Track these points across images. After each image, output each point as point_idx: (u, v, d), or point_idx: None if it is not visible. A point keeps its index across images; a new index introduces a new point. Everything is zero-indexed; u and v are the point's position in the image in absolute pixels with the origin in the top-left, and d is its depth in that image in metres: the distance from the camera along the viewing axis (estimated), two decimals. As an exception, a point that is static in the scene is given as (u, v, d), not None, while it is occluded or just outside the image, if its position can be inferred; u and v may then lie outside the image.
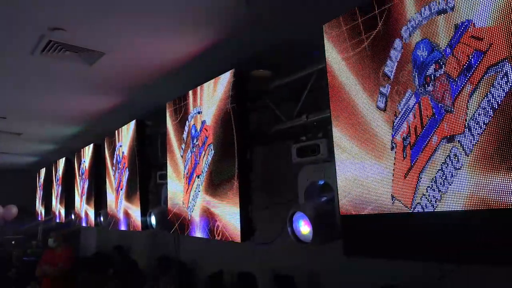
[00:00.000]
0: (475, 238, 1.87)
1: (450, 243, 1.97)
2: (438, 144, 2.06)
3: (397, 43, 2.29)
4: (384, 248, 2.28)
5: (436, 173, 2.05)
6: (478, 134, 1.86)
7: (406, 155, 2.22)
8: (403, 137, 2.25)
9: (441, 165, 2.03)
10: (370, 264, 2.84)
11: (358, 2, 2.46)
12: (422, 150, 2.14)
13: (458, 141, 1.95)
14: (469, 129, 1.90)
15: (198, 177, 3.93)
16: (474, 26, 1.88)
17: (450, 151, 1.99)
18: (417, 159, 2.17)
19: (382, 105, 2.43)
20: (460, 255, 1.94)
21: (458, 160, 1.95)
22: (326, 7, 2.75)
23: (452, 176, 1.97)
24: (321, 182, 3.04)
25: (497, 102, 1.78)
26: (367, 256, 2.46)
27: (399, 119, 2.28)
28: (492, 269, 2.29)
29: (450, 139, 1.99)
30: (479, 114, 1.86)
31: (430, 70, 2.13)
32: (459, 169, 1.94)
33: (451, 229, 1.96)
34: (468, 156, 1.90)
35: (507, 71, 1.75)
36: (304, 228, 2.82)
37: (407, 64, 2.24)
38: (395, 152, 2.28)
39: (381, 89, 2.41)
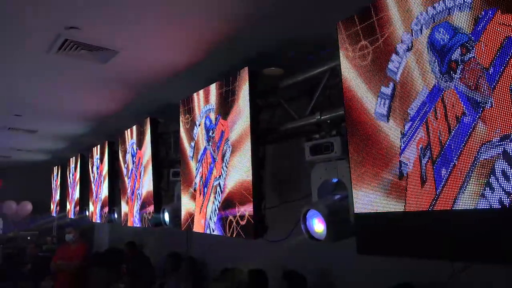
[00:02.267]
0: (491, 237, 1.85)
1: (467, 242, 1.95)
2: (478, 152, 1.82)
3: (405, 36, 2.21)
4: (398, 246, 2.27)
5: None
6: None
7: (426, 177, 2.07)
8: (420, 150, 2.09)
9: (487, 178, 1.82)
10: (384, 262, 2.84)
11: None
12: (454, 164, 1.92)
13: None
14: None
15: (218, 178, 3.92)
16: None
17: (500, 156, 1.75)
18: (447, 180, 1.95)
19: (384, 111, 2.33)
20: (475, 253, 1.92)
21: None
22: (339, 4, 2.74)
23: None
24: (335, 180, 3.03)
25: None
26: (380, 254, 2.45)
27: (411, 127, 2.13)
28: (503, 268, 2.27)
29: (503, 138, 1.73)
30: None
31: (456, 55, 1.94)
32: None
33: (467, 228, 1.95)
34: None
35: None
36: (318, 225, 2.83)
37: (421, 53, 2.09)
38: (407, 178, 2.15)
39: (383, 89, 2.34)
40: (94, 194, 7.55)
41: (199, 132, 4.24)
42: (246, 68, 3.51)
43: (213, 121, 3.99)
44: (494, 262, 1.99)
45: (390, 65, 2.32)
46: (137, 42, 3.47)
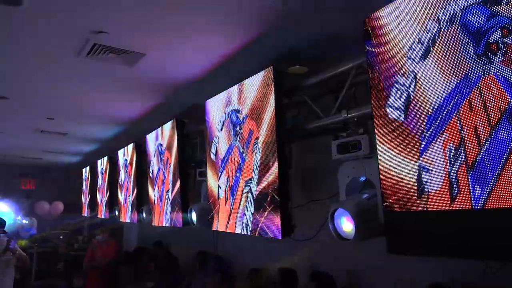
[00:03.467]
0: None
1: (499, 241, 1.88)
2: None
3: (431, 24, 2.09)
4: (428, 245, 2.22)
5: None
6: None
7: (458, 189, 1.94)
8: (449, 152, 1.96)
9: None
10: (415, 261, 2.78)
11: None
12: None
13: None
14: None
15: (249, 181, 3.91)
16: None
17: None
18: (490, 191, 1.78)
19: (400, 105, 2.25)
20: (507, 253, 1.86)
21: None
22: (364, 1, 2.70)
23: None
24: (363, 179, 3.00)
25: None
26: (410, 254, 2.40)
27: (434, 123, 2.05)
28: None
29: None
30: None
31: (495, 36, 1.77)
32: None
33: (500, 227, 1.88)
34: None
35: None
36: (346, 225, 2.80)
37: (449, 36, 1.96)
38: (427, 193, 2.07)
39: (399, 79, 2.25)
40: (123, 195, 7.71)
41: (224, 128, 4.24)
42: (271, 67, 3.51)
43: (240, 118, 3.99)
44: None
45: (411, 53, 2.25)
46: (162, 45, 3.53)
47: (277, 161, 3.39)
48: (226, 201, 4.18)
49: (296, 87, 3.69)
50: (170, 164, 5.47)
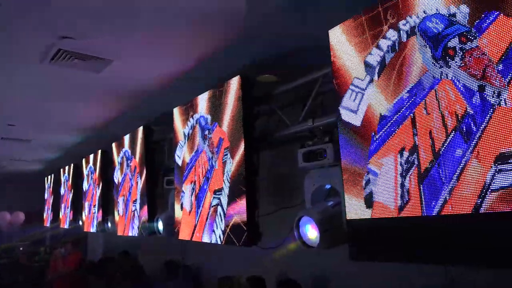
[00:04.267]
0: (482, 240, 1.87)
1: (459, 245, 1.96)
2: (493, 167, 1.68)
3: (390, 32, 2.18)
4: (390, 252, 2.28)
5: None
6: None
7: (408, 195, 2.00)
8: (400, 156, 2.03)
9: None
10: (377, 268, 2.85)
11: (365, 7, 2.48)
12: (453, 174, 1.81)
13: None
14: None
15: (218, 192, 3.88)
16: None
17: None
18: (447, 200, 1.84)
19: (354, 106, 2.30)
20: (469, 258, 1.94)
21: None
22: (331, 12, 2.78)
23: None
24: (328, 187, 3.06)
25: None
26: (373, 260, 2.46)
27: (386, 125, 2.13)
28: (499, 272, 2.29)
29: None
30: None
31: (453, 42, 1.86)
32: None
33: (458, 232, 1.96)
34: None
35: None
36: (311, 232, 2.84)
37: (408, 42, 2.05)
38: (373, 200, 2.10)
39: (356, 81, 2.30)
40: (88, 204, 7.51)
41: (192, 133, 4.22)
42: (238, 76, 3.54)
43: (209, 124, 3.98)
44: (484, 266, 2.01)
45: (368, 58, 2.33)
46: (130, 52, 3.50)
47: (244, 169, 3.40)
48: (191, 209, 4.15)
49: (266, 96, 3.73)
50: (137, 172, 5.39)
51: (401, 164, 2.05)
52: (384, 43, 2.28)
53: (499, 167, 1.73)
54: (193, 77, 3.98)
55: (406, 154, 2.04)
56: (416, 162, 2.00)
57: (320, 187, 3.07)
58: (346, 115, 2.48)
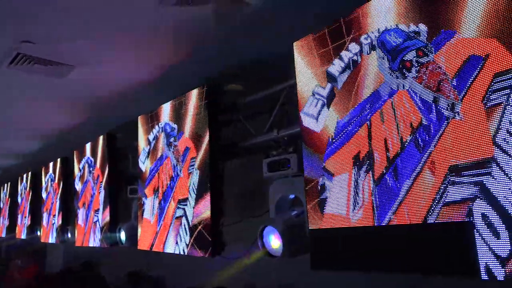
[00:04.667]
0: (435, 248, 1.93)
1: (415, 254, 2.02)
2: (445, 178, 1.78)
3: (352, 46, 2.27)
4: (350, 261, 2.32)
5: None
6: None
7: (362, 200, 2.09)
8: (355, 161, 2.09)
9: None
10: (342, 277, 2.88)
11: (327, 21, 2.55)
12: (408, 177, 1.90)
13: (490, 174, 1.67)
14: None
15: (183, 202, 3.83)
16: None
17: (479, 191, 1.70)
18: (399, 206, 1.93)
19: (315, 113, 2.37)
20: (424, 266, 2.00)
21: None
22: (297, 24, 2.83)
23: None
24: (292, 196, 3.08)
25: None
26: (334, 270, 2.49)
27: (343, 131, 2.19)
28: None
29: (485, 164, 1.68)
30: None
31: (410, 56, 1.95)
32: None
33: (414, 241, 2.02)
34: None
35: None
36: (274, 242, 2.85)
37: (368, 54, 2.13)
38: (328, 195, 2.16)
39: (317, 89, 2.37)
40: (47, 213, 7.23)
41: (157, 140, 4.17)
42: (204, 85, 3.54)
43: (175, 132, 3.94)
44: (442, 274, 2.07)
45: (331, 68, 2.40)
46: (94, 57, 3.42)
47: (209, 178, 3.39)
48: (153, 218, 4.08)
49: (234, 106, 3.73)
50: (100, 181, 5.25)
51: (355, 169, 2.13)
52: (346, 55, 2.35)
53: (452, 179, 1.80)
54: (158, 85, 3.94)
55: (360, 160, 2.12)
56: (370, 168, 2.08)
57: (284, 196, 3.09)
58: (307, 121, 2.54)
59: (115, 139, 5.16)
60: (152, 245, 4.01)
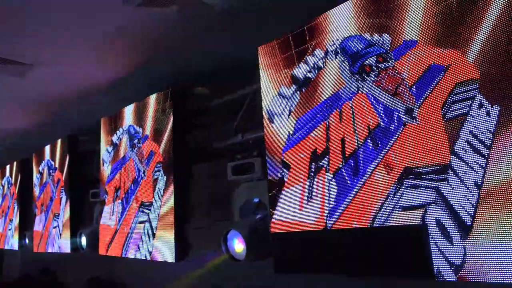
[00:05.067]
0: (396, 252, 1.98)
1: (373, 257, 2.07)
2: (400, 180, 1.87)
3: (318, 52, 2.33)
4: (310, 264, 2.35)
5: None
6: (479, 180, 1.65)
7: (314, 191, 2.17)
8: (312, 156, 2.17)
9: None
10: (309, 279, 2.90)
11: (291, 27, 2.58)
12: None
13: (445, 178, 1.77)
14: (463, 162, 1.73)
15: (148, 206, 3.75)
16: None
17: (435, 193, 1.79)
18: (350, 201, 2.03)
19: (279, 111, 2.41)
20: (383, 269, 2.04)
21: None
22: (261, 29, 2.85)
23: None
24: (256, 200, 3.09)
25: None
26: (296, 272, 2.51)
27: (303, 126, 2.25)
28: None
29: (442, 170, 1.79)
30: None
31: (371, 61, 2.02)
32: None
33: (374, 244, 2.07)
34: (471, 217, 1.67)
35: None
36: (238, 246, 2.84)
37: (331, 59, 2.21)
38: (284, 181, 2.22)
39: (282, 89, 2.44)
40: (2, 218, 6.92)
41: (120, 141, 4.08)
42: (169, 87, 3.50)
43: (140, 133, 3.86)
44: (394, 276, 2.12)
45: (296, 71, 2.45)
46: (55, 57, 3.31)
47: (173, 182, 3.34)
48: (113, 221, 3.99)
49: (203, 109, 3.70)
50: (61, 185, 5.07)
51: (312, 164, 2.21)
52: (311, 60, 2.40)
53: (407, 182, 1.86)
54: (122, 87, 3.86)
55: (317, 155, 2.19)
56: (326, 164, 2.16)
57: (248, 200, 3.10)
58: (270, 120, 2.58)
59: (76, 141, 5.01)
60: (108, 249, 3.92)
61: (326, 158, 2.14)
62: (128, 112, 4.02)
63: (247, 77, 3.15)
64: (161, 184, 3.51)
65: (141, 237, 3.64)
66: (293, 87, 2.44)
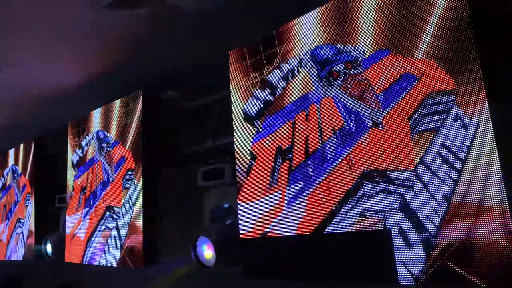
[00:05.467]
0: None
1: (341, 262, 2.08)
2: (360, 182, 1.98)
3: (291, 60, 2.40)
4: (282, 269, 2.35)
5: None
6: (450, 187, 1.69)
7: (276, 180, 2.27)
8: (277, 150, 2.27)
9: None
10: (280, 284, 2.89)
11: (261, 32, 2.59)
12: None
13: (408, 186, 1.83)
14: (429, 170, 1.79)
15: (117, 213, 3.65)
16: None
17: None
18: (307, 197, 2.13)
19: (253, 112, 2.51)
20: (347, 273, 2.06)
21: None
22: (233, 35, 2.85)
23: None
24: (226, 206, 3.07)
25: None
26: (264, 277, 2.51)
27: (270, 124, 2.34)
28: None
29: (407, 178, 1.83)
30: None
31: (339, 67, 2.09)
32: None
33: (342, 249, 2.08)
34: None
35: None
36: (207, 252, 2.82)
37: (302, 66, 2.28)
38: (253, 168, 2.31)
39: (257, 92, 2.51)
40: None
41: (90, 144, 4.00)
42: (140, 91, 3.45)
43: (108, 138, 3.78)
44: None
45: (270, 76, 2.50)
46: (19, 58, 3.21)
47: (141, 187, 3.29)
48: (79, 224, 3.89)
49: (170, 114, 3.66)
50: (26, 191, 4.91)
51: (276, 157, 2.32)
52: (285, 67, 2.43)
53: (369, 186, 1.89)
54: (91, 90, 3.78)
55: (282, 150, 2.30)
56: (290, 159, 2.26)
57: (219, 206, 3.08)
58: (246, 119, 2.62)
59: (43, 145, 4.86)
60: (74, 255, 3.82)
61: (290, 153, 2.25)
62: (97, 115, 3.93)
63: (218, 82, 3.13)
64: (133, 193, 3.43)
65: (107, 243, 3.56)
66: (267, 91, 2.46)
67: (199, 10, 2.59)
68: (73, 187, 4.09)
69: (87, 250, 3.80)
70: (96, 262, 3.66)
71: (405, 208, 1.80)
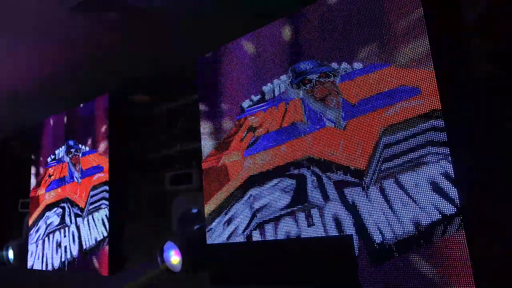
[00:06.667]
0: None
1: (309, 268, 2.11)
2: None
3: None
4: (243, 275, 2.38)
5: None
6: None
7: (243, 139, 2.49)
8: (247, 129, 2.48)
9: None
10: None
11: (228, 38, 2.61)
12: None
13: (351, 183, 1.99)
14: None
15: (82, 217, 3.60)
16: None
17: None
18: None
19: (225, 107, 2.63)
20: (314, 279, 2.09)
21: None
22: (202, 40, 2.85)
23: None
24: (195, 211, 3.06)
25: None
26: (233, 284, 2.52)
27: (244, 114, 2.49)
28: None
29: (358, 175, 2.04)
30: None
31: (313, 76, 2.22)
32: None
33: (308, 254, 2.12)
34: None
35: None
36: (174, 257, 2.80)
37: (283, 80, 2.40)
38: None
39: (253, 97, 2.56)
40: None
41: (59, 150, 3.92)
42: (107, 95, 3.40)
43: (79, 145, 3.71)
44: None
45: (263, 87, 2.54)
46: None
47: (108, 192, 3.24)
48: (38, 229, 3.81)
49: (137, 118, 3.62)
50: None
51: (247, 132, 2.51)
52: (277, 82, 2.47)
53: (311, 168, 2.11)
54: (56, 92, 3.68)
55: (251, 127, 2.49)
56: (254, 130, 2.47)
57: (187, 211, 3.06)
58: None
59: (5, 147, 4.71)
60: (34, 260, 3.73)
61: (256, 131, 2.47)
62: (63, 119, 3.85)
63: (187, 87, 3.13)
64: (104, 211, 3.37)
65: (66, 247, 3.50)
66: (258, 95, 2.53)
67: (168, 15, 2.59)
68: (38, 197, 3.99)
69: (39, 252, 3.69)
70: (56, 267, 3.57)
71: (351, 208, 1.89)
